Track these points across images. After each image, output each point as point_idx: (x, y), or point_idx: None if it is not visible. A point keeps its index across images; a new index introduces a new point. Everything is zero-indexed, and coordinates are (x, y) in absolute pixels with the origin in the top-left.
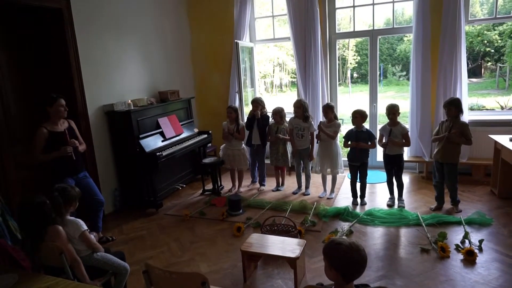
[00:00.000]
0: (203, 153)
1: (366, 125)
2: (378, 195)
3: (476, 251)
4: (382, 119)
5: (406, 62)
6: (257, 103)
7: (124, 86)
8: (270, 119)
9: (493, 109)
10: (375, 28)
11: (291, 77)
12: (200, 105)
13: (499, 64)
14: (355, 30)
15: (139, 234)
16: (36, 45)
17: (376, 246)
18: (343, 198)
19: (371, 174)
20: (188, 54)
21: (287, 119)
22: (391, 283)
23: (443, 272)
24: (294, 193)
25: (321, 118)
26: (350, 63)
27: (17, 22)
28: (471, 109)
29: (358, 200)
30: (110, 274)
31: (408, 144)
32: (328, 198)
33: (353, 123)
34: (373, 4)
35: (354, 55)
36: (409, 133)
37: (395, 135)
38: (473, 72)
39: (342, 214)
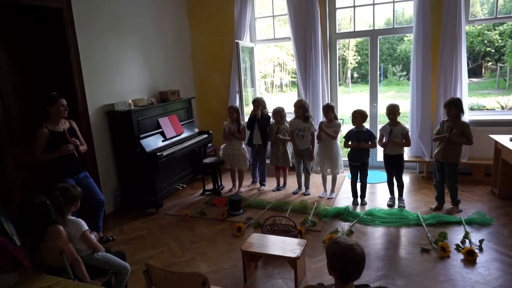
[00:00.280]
0: (203, 153)
1: (367, 125)
2: (379, 195)
3: (477, 251)
4: (382, 119)
5: (407, 62)
6: (258, 103)
7: (124, 86)
8: (271, 119)
9: (493, 109)
10: (376, 28)
11: (291, 77)
12: (201, 105)
13: (500, 64)
14: (356, 30)
15: (139, 234)
16: (36, 45)
17: (376, 246)
18: (344, 198)
19: (371, 174)
20: (189, 54)
21: (288, 119)
22: (391, 283)
23: (443, 272)
24: (294, 193)
25: (321, 118)
26: (351, 63)
27: (18, 22)
28: (472, 109)
29: (359, 200)
30: (110, 274)
31: (408, 144)
32: (328, 198)
33: (353, 123)
34: (374, 4)
35: (355, 55)
36: (409, 133)
37: (395, 135)
38: (474, 72)
39: (343, 214)
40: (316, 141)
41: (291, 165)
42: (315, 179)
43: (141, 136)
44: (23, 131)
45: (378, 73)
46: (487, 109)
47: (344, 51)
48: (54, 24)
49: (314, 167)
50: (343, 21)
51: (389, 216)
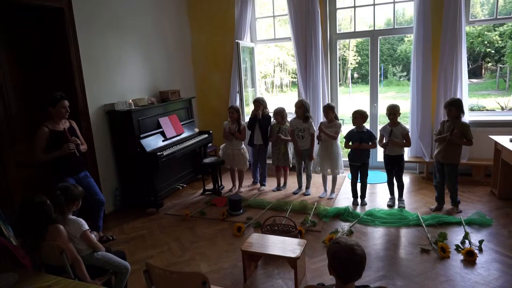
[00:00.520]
0: (203, 153)
1: (367, 125)
2: (379, 195)
3: (476, 251)
4: (383, 120)
5: (407, 63)
6: (259, 103)
7: (125, 85)
8: (272, 119)
9: (493, 110)
10: (376, 28)
11: (291, 77)
12: (201, 105)
13: (500, 65)
14: (356, 30)
15: (139, 233)
16: (37, 44)
17: (376, 247)
18: (344, 198)
19: (371, 175)
20: (189, 54)
21: (289, 119)
22: (391, 283)
23: (443, 272)
24: (294, 193)
25: (321, 118)
26: (351, 64)
27: (18, 21)
28: (472, 109)
29: (359, 200)
30: (110, 273)
31: (408, 145)
32: (328, 198)
33: (354, 123)
34: (374, 4)
35: (355, 55)
36: (410, 134)
37: (395, 135)
38: (474, 73)
39: (343, 214)
40: (316, 141)
41: (291, 165)
42: (315, 179)
43: (141, 136)
44: (24, 130)
45: (379, 73)
46: (487, 110)
47: (345, 52)
48: (55, 24)
49: (314, 167)
50: (344, 21)
51: (389, 216)
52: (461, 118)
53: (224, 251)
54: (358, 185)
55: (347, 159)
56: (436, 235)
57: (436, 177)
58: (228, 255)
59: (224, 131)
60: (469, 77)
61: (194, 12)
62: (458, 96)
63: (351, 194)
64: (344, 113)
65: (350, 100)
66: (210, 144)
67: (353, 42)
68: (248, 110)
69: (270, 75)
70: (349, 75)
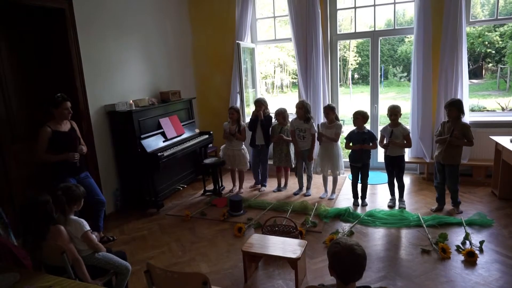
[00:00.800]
0: (204, 154)
1: (367, 126)
2: (379, 196)
3: (477, 252)
4: (383, 120)
5: (407, 63)
6: (261, 104)
7: (125, 86)
8: (273, 120)
9: (494, 110)
10: (376, 29)
11: (292, 78)
12: (202, 106)
13: (500, 65)
14: (356, 31)
15: (140, 234)
16: (38, 45)
17: (377, 247)
18: (344, 199)
19: (372, 175)
20: (190, 55)
21: (290, 119)
22: (391, 284)
23: (443, 273)
24: (295, 193)
25: (322, 119)
26: (351, 64)
27: (20, 22)
28: (472, 110)
29: (359, 201)
30: (111, 274)
31: (409, 145)
32: (329, 199)
33: (355, 124)
34: (374, 5)
35: (355, 56)
36: (410, 134)
37: (396, 136)
38: (474, 73)
39: (343, 215)
40: (316, 142)
41: (293, 165)
42: (316, 180)
43: (142, 136)
44: (25, 129)
45: (379, 74)
46: (488, 111)
47: (345, 52)
48: (56, 24)
49: (315, 167)
50: (344, 22)
51: (390, 217)
52: (462, 119)
53: (225, 252)
54: (359, 185)
55: (347, 160)
56: (436, 236)
57: (437, 177)
58: (228, 255)
59: (224, 131)
60: (470, 78)
61: (195, 12)
62: (459, 97)
63: (352, 194)
64: (345, 114)
65: (351, 100)
66: (211, 145)
67: (354, 42)
68: (249, 111)
69: (270, 76)
70: (349, 76)
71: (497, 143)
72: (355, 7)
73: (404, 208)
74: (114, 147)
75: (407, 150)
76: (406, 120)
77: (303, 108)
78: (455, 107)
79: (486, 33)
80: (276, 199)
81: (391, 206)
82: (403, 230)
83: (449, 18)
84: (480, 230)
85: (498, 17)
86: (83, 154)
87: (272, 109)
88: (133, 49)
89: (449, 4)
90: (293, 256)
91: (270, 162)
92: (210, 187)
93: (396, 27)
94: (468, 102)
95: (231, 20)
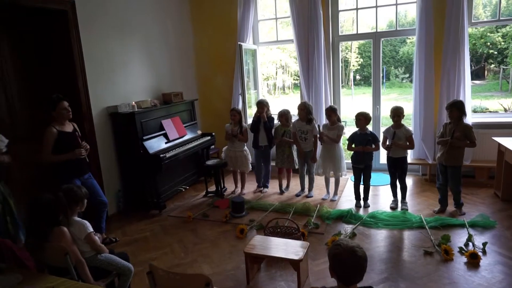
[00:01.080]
0: (206, 155)
1: (369, 127)
2: (381, 197)
3: (480, 254)
4: (385, 122)
5: (409, 64)
6: (263, 105)
7: (128, 87)
8: (276, 121)
9: (496, 111)
10: (378, 30)
11: (293, 79)
12: (204, 107)
13: (502, 66)
14: (358, 32)
15: (142, 235)
16: (40, 46)
17: (379, 249)
18: (346, 201)
19: (374, 177)
20: (192, 56)
21: (293, 121)
22: (394, 286)
23: (446, 275)
24: (297, 195)
25: (324, 120)
26: (353, 65)
27: (22, 23)
28: (475, 111)
29: (362, 202)
30: (114, 275)
31: (412, 147)
32: (331, 200)
33: (357, 125)
34: (376, 6)
35: (357, 57)
36: (413, 136)
37: (399, 137)
38: (476, 74)
39: (345, 217)
40: (319, 143)
41: (296, 167)
42: (318, 181)
43: (144, 138)
44: (27, 130)
45: (381, 75)
46: (490, 112)
47: (347, 53)
48: (58, 25)
49: (317, 169)
50: (346, 23)
51: (392, 218)
52: (463, 120)
53: (227, 253)
54: (361, 187)
55: (350, 161)
56: (439, 237)
57: (439, 179)
58: (231, 257)
59: (227, 133)
60: (472, 79)
61: (197, 14)
62: (461, 98)
63: (354, 196)
64: (347, 115)
65: (353, 102)
66: (213, 146)
67: (355, 44)
68: (251, 112)
69: (272, 77)
70: (351, 77)
71: (499, 144)
72: (357, 8)
73: (407, 209)
74: (116, 149)
75: (409, 151)
76: (408, 122)
77: (305, 110)
78: (457, 108)
79: (488, 34)
80: (278, 201)
81: (393, 208)
82: (405, 232)
83: (451, 19)
84: (483, 231)
85: (500, 18)
86: (87, 149)
87: (274, 111)
88: (135, 51)
89: (451, 5)
90: (296, 257)
91: (273, 163)
92: (212, 188)
93: (398, 28)
94: (470, 103)
95: (233, 22)
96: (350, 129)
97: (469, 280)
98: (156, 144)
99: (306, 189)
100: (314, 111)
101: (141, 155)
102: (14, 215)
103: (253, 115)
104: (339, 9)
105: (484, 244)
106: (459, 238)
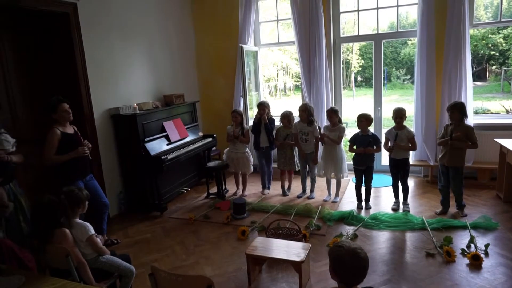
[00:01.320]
0: (207, 157)
1: (371, 128)
2: (383, 199)
3: (482, 255)
4: (387, 123)
5: (410, 66)
6: (264, 106)
7: (129, 90)
8: (278, 122)
9: (498, 113)
10: (379, 32)
11: (295, 81)
12: (205, 109)
13: (504, 68)
14: (359, 34)
15: (143, 237)
16: (42, 48)
17: (381, 250)
18: (348, 202)
19: (376, 178)
20: (193, 58)
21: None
22: (396, 287)
23: (448, 276)
24: (298, 196)
25: (325, 122)
26: (354, 67)
27: (25, 25)
28: (476, 112)
29: (363, 204)
30: (115, 277)
31: (414, 148)
32: (332, 202)
33: (359, 127)
34: (377, 8)
35: (358, 58)
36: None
37: (401, 139)
38: (478, 76)
39: (347, 218)
40: (320, 144)
41: (297, 168)
42: (320, 182)
43: (146, 139)
44: (30, 132)
45: (382, 76)
46: (492, 113)
47: (348, 55)
48: (61, 28)
49: (318, 170)
50: (347, 25)
51: (394, 220)
52: (464, 121)
53: (229, 255)
54: (363, 188)
55: (351, 162)
56: (441, 239)
57: (441, 180)
58: (232, 258)
59: (228, 135)
60: (474, 80)
61: (198, 16)
62: (463, 99)
63: (356, 197)
64: (348, 117)
65: (354, 103)
66: (214, 148)
67: (357, 45)
68: (252, 114)
69: (273, 79)
70: (352, 79)
71: (501, 146)
72: (358, 10)
73: (408, 211)
74: (118, 150)
75: (411, 153)
76: (410, 123)
77: (306, 111)
78: (457, 109)
79: (489, 35)
80: (280, 202)
81: (395, 209)
82: (407, 233)
83: (452, 20)
84: (485, 233)
85: (502, 20)
86: (90, 148)
87: (275, 112)
88: (137, 53)
89: (452, 6)
90: (297, 259)
91: (274, 165)
92: (214, 190)
93: (399, 30)
94: (472, 105)
95: (234, 24)
96: (351, 130)
97: (471, 282)
98: (157, 146)
99: (308, 191)
100: (315, 112)
101: (143, 156)
102: (26, 214)
103: (254, 117)
104: (340, 10)
105: (486, 245)
106: (461, 240)
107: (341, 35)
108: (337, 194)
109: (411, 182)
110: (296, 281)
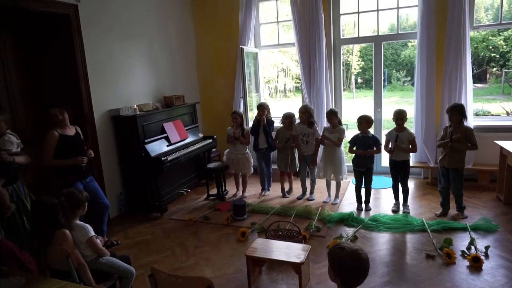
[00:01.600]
0: (207, 158)
1: (371, 130)
2: (383, 200)
3: (482, 257)
4: (387, 125)
5: (411, 68)
6: (264, 108)
7: (130, 91)
8: (276, 124)
9: (498, 115)
10: (380, 33)
11: (295, 82)
12: (205, 110)
13: (504, 70)
14: (360, 35)
15: (143, 238)
16: (43, 49)
17: (381, 252)
18: (348, 204)
19: (376, 180)
20: (193, 59)
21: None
22: None
23: (448, 278)
24: (298, 198)
25: (325, 123)
26: (354, 69)
27: (25, 25)
28: (476, 114)
29: (363, 205)
30: (115, 278)
31: (415, 150)
32: (332, 204)
33: (359, 128)
34: (378, 10)
35: (358, 60)
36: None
37: (402, 141)
38: (478, 78)
39: (347, 220)
40: (320, 146)
41: (297, 169)
42: (319, 184)
43: (146, 141)
44: (30, 133)
45: (382, 78)
46: (492, 115)
47: (348, 57)
48: (61, 29)
49: (318, 171)
50: (347, 27)
51: (394, 222)
52: (464, 123)
53: (228, 256)
54: (363, 190)
55: (351, 164)
56: (441, 241)
57: (441, 182)
58: (232, 260)
59: (228, 136)
60: (474, 82)
61: (199, 17)
62: (463, 101)
63: (356, 199)
64: (348, 118)
65: (354, 105)
66: (214, 149)
67: (357, 47)
68: (252, 115)
69: (274, 80)
70: (352, 80)
71: (502, 148)
72: (358, 12)
73: (408, 212)
74: (118, 151)
75: (411, 154)
76: (410, 125)
77: (306, 113)
78: (457, 111)
79: (490, 37)
80: (280, 204)
81: (395, 211)
82: (407, 235)
83: (452, 23)
84: (485, 235)
85: (502, 22)
86: (91, 158)
87: (275, 114)
88: (138, 54)
89: (453, 8)
90: (297, 260)
91: (274, 166)
92: (214, 191)
93: (399, 32)
94: (472, 107)
95: (235, 25)
96: (351, 132)
97: (471, 284)
98: (157, 147)
99: (308, 192)
100: (316, 114)
101: (143, 158)
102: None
103: (254, 118)
104: (341, 12)
105: (487, 247)
106: (461, 242)
107: (342, 37)
108: (337, 196)
109: (411, 184)
110: (296, 282)
